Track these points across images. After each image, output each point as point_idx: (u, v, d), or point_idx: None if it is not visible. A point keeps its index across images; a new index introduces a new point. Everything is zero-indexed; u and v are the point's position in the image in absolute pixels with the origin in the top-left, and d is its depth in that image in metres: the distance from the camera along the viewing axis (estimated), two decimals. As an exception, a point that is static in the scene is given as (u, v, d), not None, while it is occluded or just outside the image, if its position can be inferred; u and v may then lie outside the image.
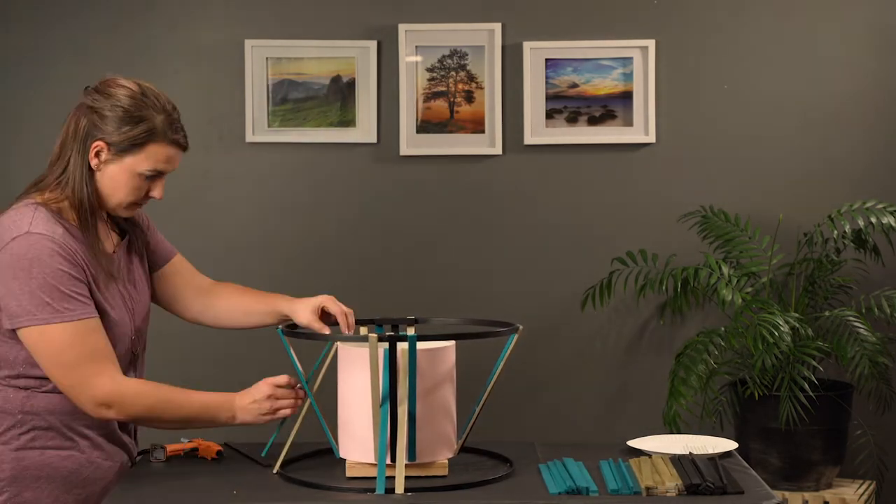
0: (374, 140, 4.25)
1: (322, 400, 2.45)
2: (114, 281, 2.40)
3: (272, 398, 2.37)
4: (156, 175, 2.39)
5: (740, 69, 4.24)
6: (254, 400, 2.37)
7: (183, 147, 2.41)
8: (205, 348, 4.28)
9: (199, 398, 2.39)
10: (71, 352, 2.27)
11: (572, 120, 4.24)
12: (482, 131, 4.25)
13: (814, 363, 3.80)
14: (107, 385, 2.29)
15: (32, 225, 2.32)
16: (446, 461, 2.30)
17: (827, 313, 3.93)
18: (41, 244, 2.28)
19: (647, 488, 2.18)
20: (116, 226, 2.51)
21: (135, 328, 2.50)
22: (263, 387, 2.38)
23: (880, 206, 3.95)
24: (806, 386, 3.76)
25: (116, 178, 2.37)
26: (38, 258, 2.27)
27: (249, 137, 4.25)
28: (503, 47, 4.23)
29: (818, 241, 4.01)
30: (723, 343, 3.85)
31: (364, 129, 4.25)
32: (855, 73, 4.25)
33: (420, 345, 2.26)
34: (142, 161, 2.36)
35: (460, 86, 4.24)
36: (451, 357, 2.32)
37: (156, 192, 2.41)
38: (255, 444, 2.59)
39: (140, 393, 2.33)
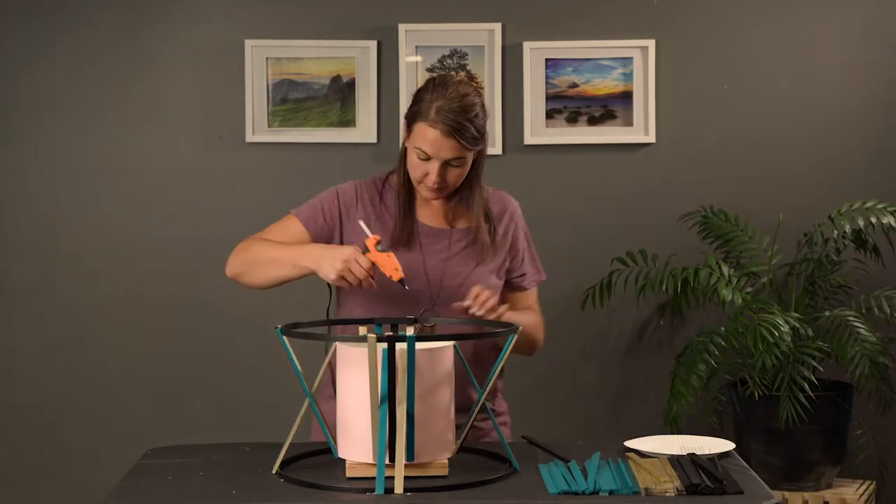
0: (374, 140, 4.25)
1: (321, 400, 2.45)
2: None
3: (349, 261, 2.45)
4: (427, 158, 2.53)
5: (740, 69, 4.24)
6: (331, 253, 2.48)
7: (449, 135, 2.50)
8: (205, 347, 4.29)
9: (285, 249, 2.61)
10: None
11: (572, 120, 4.24)
12: (482, 131, 4.24)
13: (814, 363, 3.80)
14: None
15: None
16: (446, 461, 2.30)
17: (827, 313, 3.93)
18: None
19: (646, 488, 2.18)
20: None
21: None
22: (348, 249, 2.47)
23: (880, 206, 3.95)
24: (806, 386, 3.76)
25: (408, 154, 2.60)
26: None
27: (249, 137, 4.25)
28: (503, 47, 4.23)
29: (818, 241, 4.01)
30: (723, 343, 3.85)
31: (364, 129, 4.25)
32: (855, 74, 4.25)
33: (419, 345, 2.26)
34: (413, 138, 2.55)
35: (460, 86, 4.24)
36: (450, 357, 2.32)
37: (431, 178, 2.55)
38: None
39: (241, 245, 2.71)
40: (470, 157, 2.58)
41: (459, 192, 2.65)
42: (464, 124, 2.51)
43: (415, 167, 2.58)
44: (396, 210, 2.64)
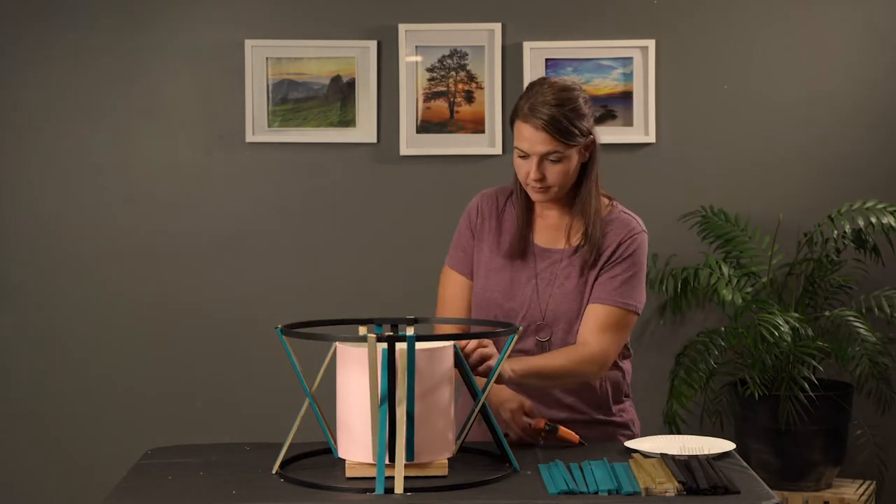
0: (374, 140, 4.25)
1: (321, 400, 2.45)
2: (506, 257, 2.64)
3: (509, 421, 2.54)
4: (525, 156, 2.54)
5: (740, 69, 4.24)
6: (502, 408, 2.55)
7: (541, 128, 2.51)
8: (205, 346, 4.29)
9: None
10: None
11: (572, 120, 4.24)
12: (482, 131, 4.25)
13: (814, 363, 3.80)
14: None
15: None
16: (446, 461, 2.30)
17: (827, 313, 3.93)
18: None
19: (646, 488, 2.18)
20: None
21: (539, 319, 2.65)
22: (508, 411, 2.55)
23: (880, 206, 3.96)
24: (806, 386, 3.76)
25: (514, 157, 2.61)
26: None
27: (249, 137, 4.25)
28: (503, 47, 4.23)
29: (818, 241, 4.01)
30: (723, 343, 3.85)
31: (364, 129, 4.25)
32: (855, 73, 4.25)
33: (419, 345, 2.26)
34: (515, 139, 2.57)
35: (460, 86, 4.24)
36: (450, 357, 2.32)
37: (531, 175, 2.55)
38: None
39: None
40: (571, 154, 2.56)
41: (574, 205, 2.64)
42: (555, 117, 2.51)
43: (518, 167, 2.59)
44: (515, 223, 2.66)
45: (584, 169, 2.63)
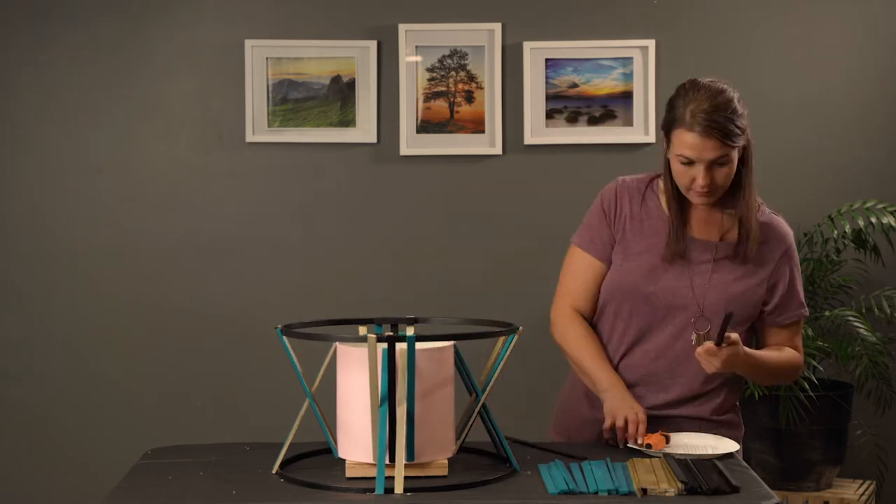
0: (374, 140, 4.25)
1: (321, 400, 2.45)
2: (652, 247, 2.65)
3: (619, 420, 2.55)
4: (691, 163, 2.53)
5: (740, 69, 4.24)
6: (613, 408, 2.58)
7: (707, 135, 2.50)
8: (205, 346, 4.29)
9: (593, 369, 2.69)
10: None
11: (572, 120, 4.25)
12: (482, 131, 4.25)
13: (814, 363, 3.80)
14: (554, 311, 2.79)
15: None
16: (446, 461, 2.30)
17: (827, 313, 3.93)
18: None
19: (646, 489, 2.18)
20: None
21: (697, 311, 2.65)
22: (636, 414, 2.55)
23: (880, 206, 3.96)
24: (806, 386, 3.76)
25: (671, 163, 2.61)
26: None
27: (249, 137, 4.25)
28: (503, 47, 4.23)
29: (818, 241, 4.00)
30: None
31: (364, 129, 4.25)
32: (855, 73, 4.25)
33: (419, 345, 2.26)
34: (673, 147, 2.56)
35: (460, 86, 4.24)
36: (450, 357, 2.32)
37: (699, 181, 2.54)
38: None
39: (565, 337, 2.77)
40: (734, 154, 2.55)
41: (729, 202, 2.64)
42: (720, 122, 2.49)
43: (680, 174, 2.57)
44: (670, 222, 2.64)
45: (741, 163, 2.59)
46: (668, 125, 2.58)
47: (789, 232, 2.71)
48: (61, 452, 4.29)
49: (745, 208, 2.62)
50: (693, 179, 2.55)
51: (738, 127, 2.52)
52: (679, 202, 2.64)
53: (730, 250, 2.64)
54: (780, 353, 2.67)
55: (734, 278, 2.63)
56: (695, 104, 2.51)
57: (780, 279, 2.66)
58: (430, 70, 4.24)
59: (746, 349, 2.56)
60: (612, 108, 4.25)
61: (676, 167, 2.57)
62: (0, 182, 4.28)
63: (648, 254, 2.65)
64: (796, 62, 4.25)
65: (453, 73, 4.24)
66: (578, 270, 2.74)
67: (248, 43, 4.23)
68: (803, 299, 2.71)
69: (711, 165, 2.53)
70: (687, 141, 2.52)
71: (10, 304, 4.29)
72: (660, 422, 2.62)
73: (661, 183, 2.68)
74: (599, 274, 2.71)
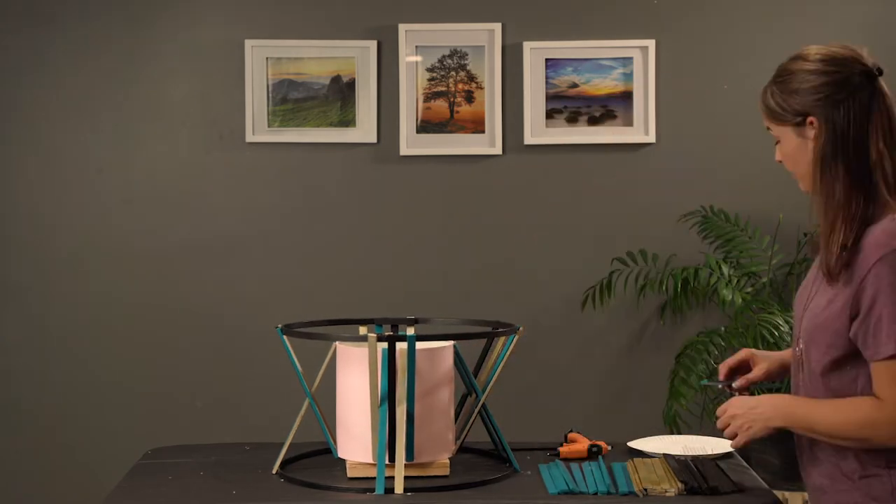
0: (374, 140, 4.25)
1: (321, 400, 2.45)
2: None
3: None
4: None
5: (740, 69, 4.24)
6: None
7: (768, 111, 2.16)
8: (205, 346, 4.29)
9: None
10: None
11: (572, 120, 4.24)
12: (482, 131, 4.25)
13: (814, 363, 3.79)
14: None
15: None
16: (447, 461, 2.30)
17: (827, 313, 3.92)
18: None
19: (647, 489, 2.18)
20: None
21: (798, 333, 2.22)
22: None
23: (880, 206, 3.95)
24: (806, 386, 3.75)
25: None
26: None
27: (249, 137, 4.25)
28: (503, 47, 4.23)
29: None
30: (723, 343, 3.84)
31: (364, 129, 4.25)
32: (855, 73, 4.24)
33: (419, 345, 2.26)
34: None
35: (460, 86, 4.24)
36: (450, 357, 2.32)
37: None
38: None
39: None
40: (785, 133, 2.14)
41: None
42: (766, 90, 2.16)
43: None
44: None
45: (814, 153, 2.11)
46: None
47: (882, 242, 2.02)
48: (61, 452, 4.29)
49: (819, 213, 2.11)
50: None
51: (784, 102, 2.11)
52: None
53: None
54: (843, 401, 2.11)
55: (826, 302, 2.11)
56: None
57: (862, 304, 2.03)
58: (430, 70, 4.24)
59: (784, 396, 2.21)
60: (612, 108, 4.24)
61: None
62: (0, 182, 4.28)
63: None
64: (796, 62, 4.25)
65: (453, 73, 4.24)
66: None
67: (248, 43, 4.23)
68: (893, 332, 2.00)
69: (779, 140, 2.18)
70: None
71: (10, 304, 4.29)
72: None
73: None
74: None
